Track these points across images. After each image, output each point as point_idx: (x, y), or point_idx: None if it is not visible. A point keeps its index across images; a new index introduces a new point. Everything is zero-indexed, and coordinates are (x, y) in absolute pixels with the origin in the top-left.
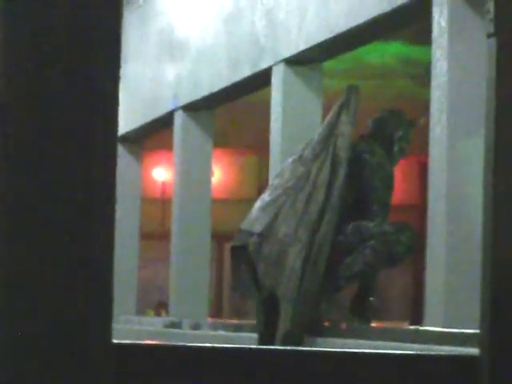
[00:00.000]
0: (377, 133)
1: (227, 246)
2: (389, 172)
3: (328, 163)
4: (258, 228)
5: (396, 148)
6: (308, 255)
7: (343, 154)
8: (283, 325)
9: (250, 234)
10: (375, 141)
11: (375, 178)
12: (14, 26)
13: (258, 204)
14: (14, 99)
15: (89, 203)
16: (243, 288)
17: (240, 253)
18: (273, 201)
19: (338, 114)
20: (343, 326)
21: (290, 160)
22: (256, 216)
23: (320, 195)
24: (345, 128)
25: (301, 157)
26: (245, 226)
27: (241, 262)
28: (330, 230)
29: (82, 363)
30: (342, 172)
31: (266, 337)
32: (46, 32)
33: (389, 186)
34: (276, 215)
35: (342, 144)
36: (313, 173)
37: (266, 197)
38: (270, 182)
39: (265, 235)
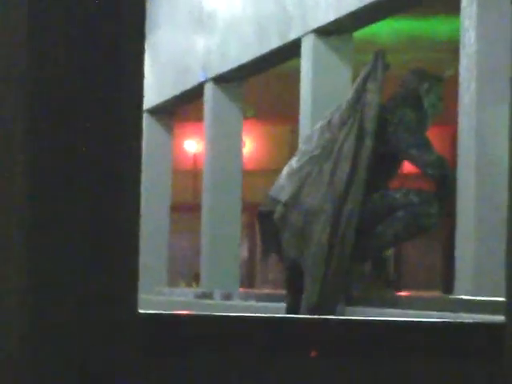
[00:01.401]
0: (405, 96)
1: None
2: (419, 137)
3: (354, 133)
4: (283, 196)
5: (426, 104)
6: (335, 229)
7: (370, 125)
8: (308, 299)
9: (277, 201)
10: (403, 104)
11: (411, 141)
12: (39, 5)
13: (285, 170)
14: (40, 74)
15: (114, 173)
16: (272, 253)
17: (267, 219)
18: (299, 168)
19: (365, 81)
20: (371, 295)
21: (319, 124)
22: (283, 183)
23: (346, 167)
24: (372, 97)
25: (329, 122)
26: (272, 192)
27: (268, 228)
28: (357, 203)
29: (108, 334)
30: (368, 143)
31: (293, 307)
32: (70, 8)
33: (428, 145)
34: (302, 184)
35: (369, 114)
36: (339, 141)
37: (293, 163)
38: (300, 146)
39: (290, 204)
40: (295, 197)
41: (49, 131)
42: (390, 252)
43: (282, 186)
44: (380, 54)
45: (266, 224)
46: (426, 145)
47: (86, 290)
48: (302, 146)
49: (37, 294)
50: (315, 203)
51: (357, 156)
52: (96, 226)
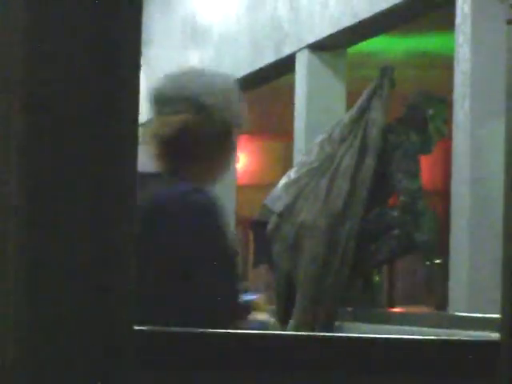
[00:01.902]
0: (409, 118)
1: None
2: (411, 164)
3: (354, 150)
4: (278, 208)
5: (431, 128)
6: (334, 247)
7: (372, 144)
8: (297, 315)
9: (271, 211)
10: (408, 126)
11: (401, 167)
12: (38, 15)
13: (283, 180)
14: (37, 84)
15: (109, 197)
16: (264, 263)
17: (261, 228)
18: (297, 180)
19: (370, 98)
20: (366, 310)
21: (320, 138)
22: (279, 194)
23: (343, 184)
24: (376, 114)
25: (330, 136)
26: (268, 201)
27: (261, 238)
28: (356, 222)
29: (102, 348)
30: (370, 162)
31: (283, 318)
32: (67, 19)
33: (415, 174)
34: (297, 196)
35: (372, 132)
36: (338, 156)
37: (291, 173)
38: (299, 158)
39: (284, 216)
40: (290, 209)
41: (45, 143)
42: (378, 277)
43: (278, 196)
44: (387, 71)
45: (260, 233)
46: (413, 173)
47: (82, 304)
48: (301, 158)
49: (33, 309)
50: (309, 218)
51: (357, 174)
52: (91, 240)
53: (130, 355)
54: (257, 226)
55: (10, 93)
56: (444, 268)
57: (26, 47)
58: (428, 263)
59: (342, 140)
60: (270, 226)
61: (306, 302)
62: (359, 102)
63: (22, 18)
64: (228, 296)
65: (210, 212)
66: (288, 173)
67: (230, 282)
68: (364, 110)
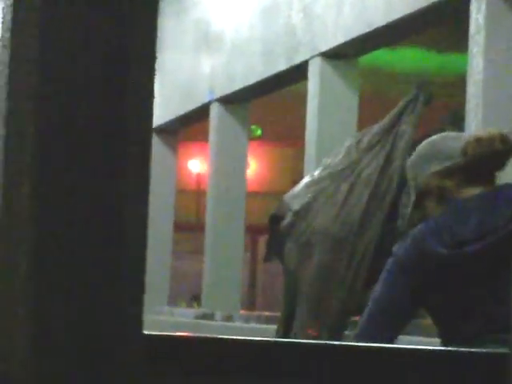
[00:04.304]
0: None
1: (261, 239)
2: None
3: (379, 160)
4: (295, 205)
5: None
6: (349, 260)
7: (398, 157)
8: (299, 319)
9: (288, 208)
10: None
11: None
12: (51, 18)
13: (305, 179)
14: (49, 91)
15: (122, 195)
16: (275, 257)
17: (277, 223)
18: (318, 181)
19: (402, 112)
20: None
21: (348, 142)
22: (298, 192)
23: (365, 193)
24: (406, 128)
25: (358, 142)
26: (286, 197)
27: (276, 232)
28: (375, 238)
29: (112, 354)
30: (393, 176)
31: (288, 318)
32: (80, 24)
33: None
34: (315, 197)
35: (400, 146)
36: (362, 164)
37: (315, 173)
38: (325, 159)
39: (300, 215)
40: (306, 209)
41: (57, 150)
42: None
43: (297, 194)
44: (423, 87)
45: (275, 228)
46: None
47: (91, 310)
48: (328, 158)
49: (41, 316)
50: (323, 222)
51: (379, 185)
52: (102, 247)
53: (140, 360)
54: (273, 220)
55: (24, 106)
56: None
57: (40, 59)
58: None
59: (369, 148)
60: (285, 222)
61: (308, 311)
62: (391, 113)
63: (36, 30)
64: None
65: None
66: (312, 172)
67: None
68: (395, 122)
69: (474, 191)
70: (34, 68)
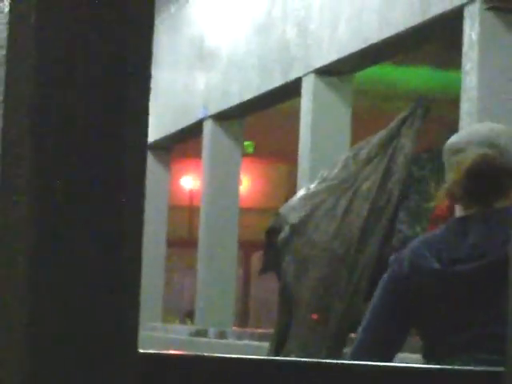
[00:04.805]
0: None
1: (254, 255)
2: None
3: (378, 174)
4: (292, 219)
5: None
6: (349, 276)
7: (397, 170)
8: (294, 335)
9: (285, 221)
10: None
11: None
12: (47, 36)
13: (302, 191)
14: (45, 106)
15: (117, 210)
16: (272, 270)
17: (274, 235)
18: (315, 194)
19: (401, 125)
20: None
21: (345, 155)
22: (294, 205)
23: (364, 207)
24: (405, 141)
25: (355, 155)
26: (283, 210)
27: (272, 245)
28: (375, 254)
29: (107, 372)
30: (392, 190)
31: (283, 331)
32: (76, 41)
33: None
34: (313, 211)
35: (399, 160)
36: (360, 177)
37: (312, 186)
38: (323, 171)
39: (297, 228)
40: (304, 222)
41: (54, 170)
42: None
43: (294, 207)
44: (421, 102)
45: (271, 240)
46: (417, 219)
47: (85, 327)
48: (325, 171)
49: (37, 333)
50: (323, 237)
51: (377, 199)
52: (97, 264)
53: (136, 379)
54: (269, 233)
55: (21, 113)
56: None
57: (37, 71)
58: None
59: (368, 161)
60: (282, 235)
61: (303, 324)
62: (390, 126)
63: (33, 42)
64: None
65: None
66: (308, 185)
67: None
68: (394, 136)
69: (474, 210)
70: (31, 86)
